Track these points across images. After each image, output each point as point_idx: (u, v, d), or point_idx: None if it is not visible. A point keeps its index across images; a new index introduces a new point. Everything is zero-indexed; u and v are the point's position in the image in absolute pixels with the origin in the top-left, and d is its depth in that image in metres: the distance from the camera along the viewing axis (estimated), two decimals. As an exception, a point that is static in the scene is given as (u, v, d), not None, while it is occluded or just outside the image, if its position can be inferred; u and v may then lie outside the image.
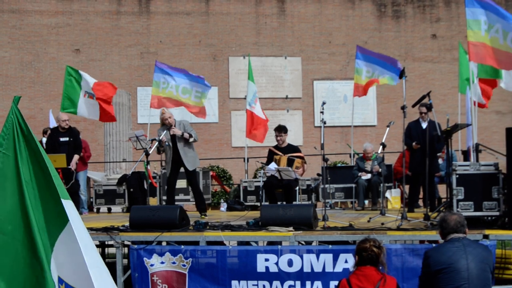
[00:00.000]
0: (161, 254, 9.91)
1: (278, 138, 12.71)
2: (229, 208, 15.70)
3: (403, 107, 11.06)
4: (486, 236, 9.41)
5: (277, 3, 26.31)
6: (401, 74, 11.31)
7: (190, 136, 12.42)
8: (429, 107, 11.75)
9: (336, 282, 9.35)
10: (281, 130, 12.78)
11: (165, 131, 12.37)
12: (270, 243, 10.64)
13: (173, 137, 12.46)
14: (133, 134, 14.86)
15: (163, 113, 12.66)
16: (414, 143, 12.77)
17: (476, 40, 11.80)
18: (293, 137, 24.06)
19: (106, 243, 13.27)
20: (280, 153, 12.51)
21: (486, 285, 6.00)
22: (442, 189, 13.20)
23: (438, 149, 13.09)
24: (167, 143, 12.37)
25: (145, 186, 14.08)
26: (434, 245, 8.28)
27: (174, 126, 12.45)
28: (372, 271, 5.70)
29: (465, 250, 5.98)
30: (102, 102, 15.37)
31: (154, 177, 14.97)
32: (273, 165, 12.26)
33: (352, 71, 19.41)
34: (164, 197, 15.01)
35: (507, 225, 9.69)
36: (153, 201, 15.06)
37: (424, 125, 12.79)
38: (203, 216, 12.50)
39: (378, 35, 26.45)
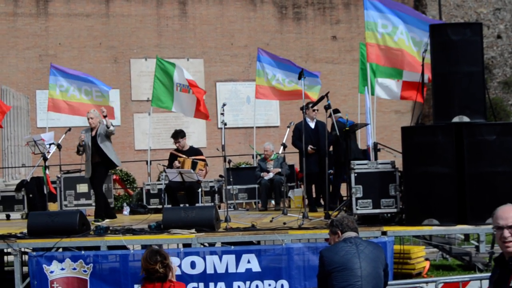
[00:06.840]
0: (61, 261, 9.74)
1: (177, 144, 12.68)
2: (132, 212, 15.51)
3: (302, 108, 11.22)
4: (384, 233, 9.63)
5: (179, 5, 26.19)
6: (300, 75, 11.46)
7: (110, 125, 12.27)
8: (327, 107, 11.96)
9: (240, 283, 9.45)
10: (177, 136, 12.72)
11: (86, 132, 12.33)
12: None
13: (94, 139, 12.27)
14: (31, 138, 14.56)
15: (88, 113, 12.60)
16: (309, 148, 12.71)
17: (373, 41, 12.09)
18: (197, 139, 24.01)
19: (5, 250, 12.89)
20: (184, 156, 12.45)
21: (379, 282, 6.16)
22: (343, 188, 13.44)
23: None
24: (84, 142, 12.21)
25: (45, 192, 13.77)
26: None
27: (98, 128, 12.36)
28: (160, 284, 5.81)
29: (357, 249, 6.12)
30: None
31: (54, 182, 14.63)
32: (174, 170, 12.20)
33: (254, 73, 19.55)
34: (65, 202, 14.74)
35: (404, 221, 9.96)
36: (53, 207, 14.75)
37: (312, 124, 12.92)
38: (95, 221, 12.18)
39: (280, 37, 26.72)
